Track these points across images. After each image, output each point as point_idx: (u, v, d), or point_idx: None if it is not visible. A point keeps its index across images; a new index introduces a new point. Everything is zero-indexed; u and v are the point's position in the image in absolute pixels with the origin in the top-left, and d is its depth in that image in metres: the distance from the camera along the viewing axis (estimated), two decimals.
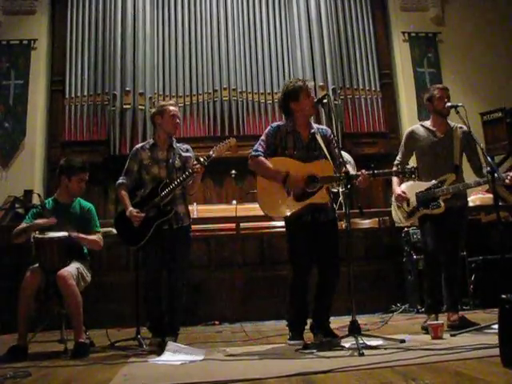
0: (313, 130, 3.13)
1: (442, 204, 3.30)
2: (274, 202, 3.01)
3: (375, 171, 2.91)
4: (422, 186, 3.40)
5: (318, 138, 3.07)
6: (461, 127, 3.43)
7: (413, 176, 2.97)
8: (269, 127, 3.18)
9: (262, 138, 3.14)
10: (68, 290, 3.02)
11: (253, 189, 3.97)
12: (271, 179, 3.02)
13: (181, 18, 7.37)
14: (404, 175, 3.03)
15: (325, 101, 3.03)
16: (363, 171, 2.92)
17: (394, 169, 3.48)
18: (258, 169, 3.08)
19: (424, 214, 3.39)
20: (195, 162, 3.23)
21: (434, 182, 3.36)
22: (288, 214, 3.00)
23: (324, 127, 3.26)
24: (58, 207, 3.38)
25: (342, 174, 2.91)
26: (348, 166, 3.06)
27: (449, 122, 3.49)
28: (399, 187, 3.47)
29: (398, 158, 3.60)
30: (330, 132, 3.23)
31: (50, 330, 3.69)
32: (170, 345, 2.76)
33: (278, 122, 3.24)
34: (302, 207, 2.98)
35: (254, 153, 3.08)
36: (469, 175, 3.47)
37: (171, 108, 3.35)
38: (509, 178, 3.09)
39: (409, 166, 3.08)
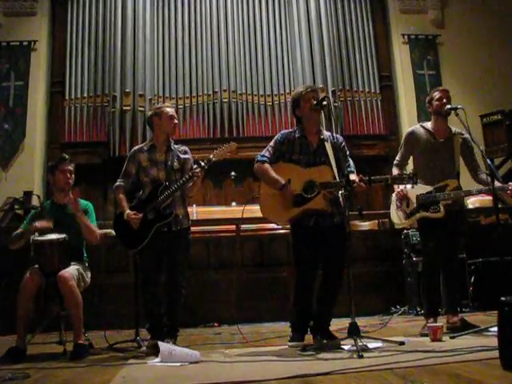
0: (322, 137, 3.14)
1: (442, 209, 3.28)
2: (275, 207, 3.07)
3: (372, 177, 2.93)
4: (424, 188, 3.39)
5: (327, 145, 3.07)
6: (461, 133, 3.44)
7: (411, 182, 2.97)
8: (278, 134, 3.24)
9: (271, 143, 3.21)
10: (69, 291, 3.02)
11: (252, 190, 3.99)
12: (271, 186, 3.07)
13: (181, 19, 7.36)
14: (402, 182, 3.04)
15: (324, 103, 3.02)
16: (361, 177, 2.93)
17: (394, 169, 3.50)
18: (261, 175, 3.14)
19: (423, 217, 3.38)
20: (195, 166, 3.22)
21: (436, 185, 3.35)
22: (285, 219, 3.08)
23: (337, 135, 3.28)
24: (55, 208, 3.38)
25: (340, 180, 2.90)
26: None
27: (451, 126, 3.50)
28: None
29: (397, 157, 3.60)
30: (342, 140, 3.26)
31: (48, 332, 3.69)
32: (163, 346, 2.71)
33: (288, 129, 3.32)
34: (298, 212, 3.01)
35: (260, 158, 3.16)
36: (466, 181, 3.46)
37: (168, 109, 3.36)
38: (510, 189, 3.11)
39: (407, 172, 3.07)
